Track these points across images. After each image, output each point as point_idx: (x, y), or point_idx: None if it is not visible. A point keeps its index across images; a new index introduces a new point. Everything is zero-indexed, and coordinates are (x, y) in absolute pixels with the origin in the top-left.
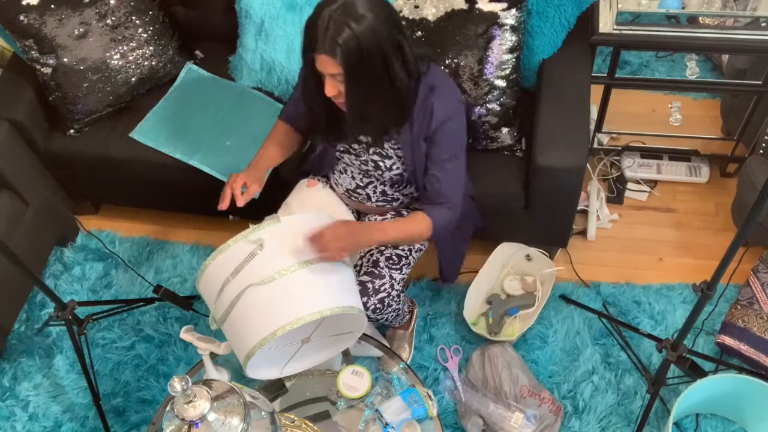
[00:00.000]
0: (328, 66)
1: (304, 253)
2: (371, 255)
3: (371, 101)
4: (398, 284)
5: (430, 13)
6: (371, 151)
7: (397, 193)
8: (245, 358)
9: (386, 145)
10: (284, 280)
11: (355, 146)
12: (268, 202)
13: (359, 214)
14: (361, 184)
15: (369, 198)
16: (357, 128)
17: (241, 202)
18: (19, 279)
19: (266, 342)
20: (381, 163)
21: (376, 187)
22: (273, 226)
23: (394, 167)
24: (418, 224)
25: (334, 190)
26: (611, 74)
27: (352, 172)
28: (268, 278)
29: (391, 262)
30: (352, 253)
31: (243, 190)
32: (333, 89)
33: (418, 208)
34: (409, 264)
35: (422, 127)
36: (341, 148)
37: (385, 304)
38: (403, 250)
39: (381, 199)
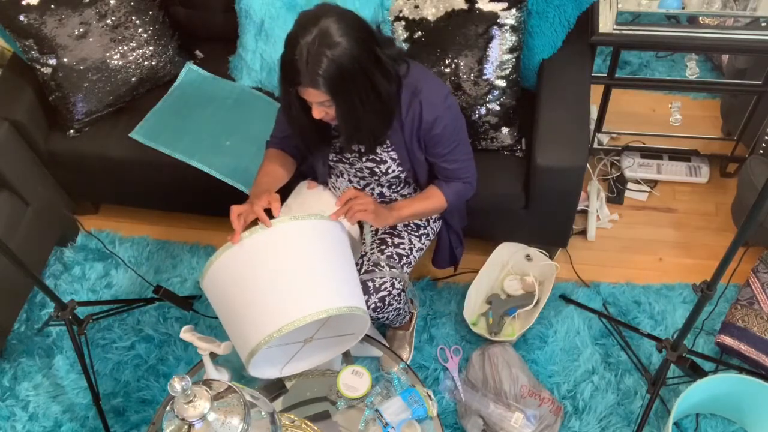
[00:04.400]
0: (314, 96)
1: (311, 251)
2: (372, 254)
3: (362, 115)
4: (399, 283)
5: (430, 13)
6: (364, 159)
7: (395, 194)
8: (249, 355)
9: (378, 150)
10: (289, 279)
11: (348, 155)
12: None
13: None
14: (358, 187)
15: None
16: (352, 140)
17: (268, 223)
18: (19, 279)
19: (271, 339)
20: (376, 169)
21: (373, 189)
22: (278, 225)
23: (390, 170)
24: (434, 201)
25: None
26: (611, 74)
27: (348, 176)
28: (274, 275)
29: (392, 261)
30: (377, 222)
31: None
32: (321, 113)
33: (433, 183)
34: (410, 263)
35: (413, 130)
36: (334, 158)
37: (386, 302)
38: (404, 249)
39: (379, 201)
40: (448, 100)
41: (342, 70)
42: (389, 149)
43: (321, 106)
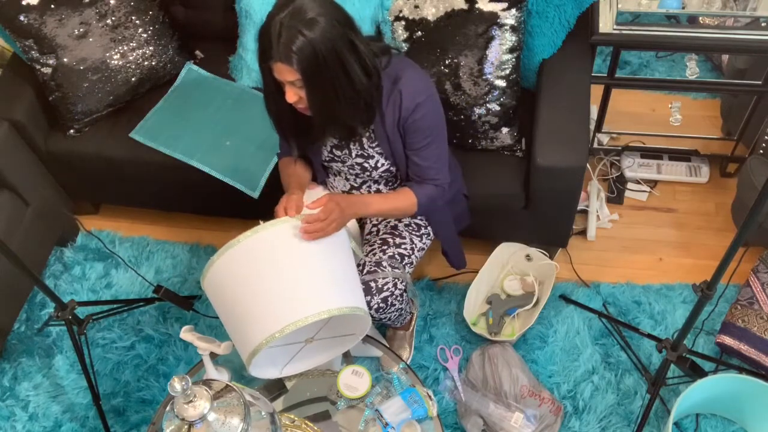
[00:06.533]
0: (286, 74)
1: (312, 252)
2: (374, 254)
3: (334, 102)
4: (401, 283)
5: (430, 13)
6: (354, 154)
7: (392, 191)
8: (250, 355)
9: (366, 145)
10: (291, 279)
11: (339, 153)
12: (270, 204)
13: None
14: (355, 185)
15: None
16: (325, 130)
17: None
18: (19, 279)
19: (273, 339)
20: (366, 164)
21: (370, 186)
22: (279, 225)
23: (380, 164)
24: (403, 200)
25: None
26: (611, 74)
27: (344, 174)
28: (276, 275)
29: (393, 261)
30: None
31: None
32: (293, 96)
33: (405, 184)
34: (412, 263)
35: (393, 118)
36: (327, 158)
37: (389, 303)
38: (405, 249)
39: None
40: (431, 90)
41: (316, 50)
42: (374, 143)
43: (293, 87)
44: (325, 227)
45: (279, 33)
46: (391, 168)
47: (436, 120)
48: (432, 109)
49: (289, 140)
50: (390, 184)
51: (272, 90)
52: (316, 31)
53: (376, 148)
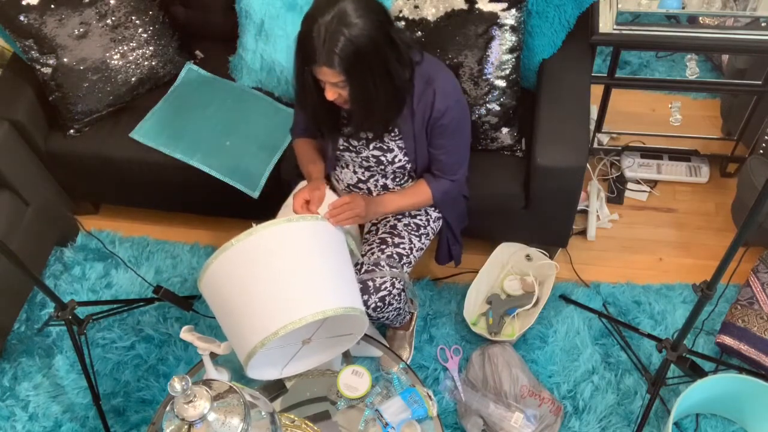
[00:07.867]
0: (329, 76)
1: (307, 253)
2: (372, 253)
3: (375, 98)
4: (399, 282)
5: (430, 13)
6: (371, 146)
7: (398, 187)
8: (246, 357)
9: (386, 138)
10: (286, 280)
11: (355, 143)
12: (269, 203)
13: None
14: (363, 179)
15: (370, 192)
16: (363, 124)
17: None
18: (19, 279)
19: (268, 341)
20: (382, 158)
21: (377, 181)
22: (274, 227)
23: (397, 159)
24: (420, 195)
25: (334, 188)
26: (611, 74)
27: (353, 167)
28: (271, 277)
29: (392, 260)
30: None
31: None
32: (334, 94)
33: (423, 176)
34: (410, 263)
35: (424, 117)
36: (341, 146)
37: (386, 302)
38: (404, 248)
39: (382, 194)
40: (459, 93)
41: (358, 50)
42: (397, 138)
43: (335, 87)
44: (349, 212)
45: (324, 39)
46: (407, 165)
47: (463, 119)
48: (460, 111)
49: (325, 136)
50: (398, 180)
51: (311, 88)
52: (360, 32)
53: (399, 142)
